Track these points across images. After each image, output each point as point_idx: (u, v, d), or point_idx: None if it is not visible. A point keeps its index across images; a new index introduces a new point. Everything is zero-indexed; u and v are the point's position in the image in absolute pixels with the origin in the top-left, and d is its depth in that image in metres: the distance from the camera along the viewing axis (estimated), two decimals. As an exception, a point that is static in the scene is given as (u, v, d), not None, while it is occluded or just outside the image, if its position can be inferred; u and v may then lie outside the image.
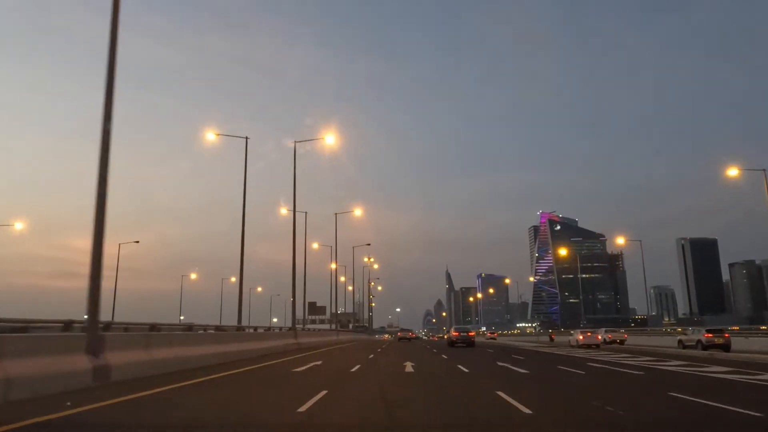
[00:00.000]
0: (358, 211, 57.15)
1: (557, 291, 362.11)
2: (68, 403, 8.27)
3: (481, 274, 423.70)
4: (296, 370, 15.88)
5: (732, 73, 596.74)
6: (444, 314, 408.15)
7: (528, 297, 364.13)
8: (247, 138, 31.62)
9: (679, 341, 34.79)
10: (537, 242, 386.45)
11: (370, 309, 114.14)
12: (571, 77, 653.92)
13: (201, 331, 21.07)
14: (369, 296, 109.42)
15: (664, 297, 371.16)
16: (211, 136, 32.53)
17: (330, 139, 35.64)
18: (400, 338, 74.01)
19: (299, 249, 47.08)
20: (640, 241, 62.06)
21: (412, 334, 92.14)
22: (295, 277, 35.17)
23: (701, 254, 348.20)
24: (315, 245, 64.22)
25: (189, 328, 17.71)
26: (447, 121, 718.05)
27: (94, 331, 11.63)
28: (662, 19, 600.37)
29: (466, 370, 16.20)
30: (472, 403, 9.54)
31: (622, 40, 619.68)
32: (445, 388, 11.83)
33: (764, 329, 46.43)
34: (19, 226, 51.21)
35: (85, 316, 11.68)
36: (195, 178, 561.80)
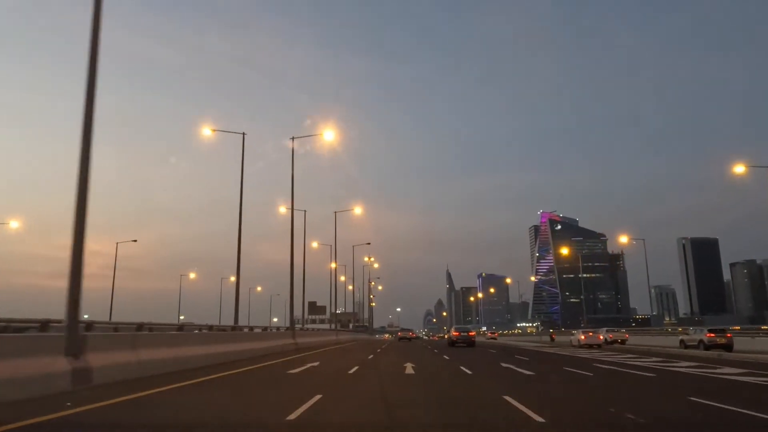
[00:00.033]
0: (357, 210, 56.47)
1: (558, 291, 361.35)
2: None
3: (481, 274, 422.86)
4: (291, 371, 15.17)
5: (732, 73, 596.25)
6: (444, 314, 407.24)
7: (528, 297, 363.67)
8: (244, 134, 31.09)
9: (681, 341, 34.54)
10: (538, 242, 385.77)
11: (371, 309, 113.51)
12: (571, 77, 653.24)
13: (196, 331, 20.43)
14: (369, 296, 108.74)
15: (664, 297, 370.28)
16: (207, 132, 31.97)
17: (328, 135, 34.95)
18: (401, 338, 73.61)
19: (298, 248, 46.45)
20: (644, 239, 61.35)
21: (413, 333, 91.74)
22: (293, 275, 34.45)
23: (702, 254, 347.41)
24: (315, 244, 63.66)
25: (180, 328, 17.02)
26: (447, 121, 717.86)
27: (73, 331, 10.90)
28: (662, 18, 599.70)
29: (469, 372, 15.48)
30: (479, 410, 8.82)
31: (622, 40, 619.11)
32: (448, 392, 11.11)
33: (766, 329, 45.88)
34: (14, 224, 50.43)
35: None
36: (195, 178, 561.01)
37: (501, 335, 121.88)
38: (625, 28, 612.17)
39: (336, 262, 59.94)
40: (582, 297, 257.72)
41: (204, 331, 20.34)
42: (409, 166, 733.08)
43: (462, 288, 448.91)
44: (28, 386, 9.02)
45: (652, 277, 61.51)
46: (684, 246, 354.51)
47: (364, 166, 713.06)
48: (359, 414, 8.17)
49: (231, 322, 28.21)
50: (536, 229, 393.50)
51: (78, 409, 7.91)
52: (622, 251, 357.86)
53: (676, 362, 20.71)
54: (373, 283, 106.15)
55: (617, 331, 50.91)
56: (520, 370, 16.51)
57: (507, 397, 9.55)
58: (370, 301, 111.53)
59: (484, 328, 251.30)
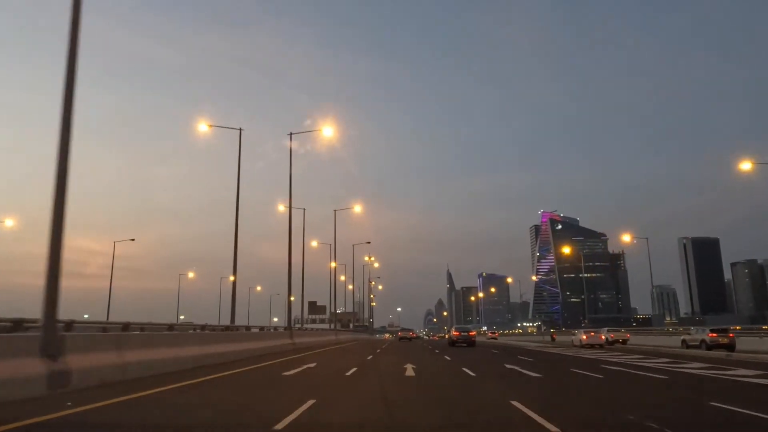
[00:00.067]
0: (357, 208, 55.89)
1: (558, 290, 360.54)
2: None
3: (482, 274, 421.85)
4: (286, 373, 14.46)
5: (733, 72, 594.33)
6: (445, 314, 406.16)
7: (529, 296, 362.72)
8: (240, 129, 30.49)
9: (683, 341, 34.35)
10: (538, 241, 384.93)
11: (371, 308, 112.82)
12: (571, 77, 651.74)
13: (191, 331, 19.72)
14: (370, 295, 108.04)
15: (665, 296, 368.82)
16: (204, 127, 31.38)
17: (327, 132, 34.38)
18: (401, 338, 73.33)
19: (297, 246, 45.77)
20: (647, 238, 60.56)
21: (413, 333, 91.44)
22: (290, 274, 33.79)
23: (703, 253, 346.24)
24: (314, 243, 63.04)
25: (171, 327, 16.30)
26: (447, 121, 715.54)
27: (50, 331, 10.20)
28: (662, 18, 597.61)
29: (473, 374, 14.75)
30: (485, 417, 8.12)
31: (622, 40, 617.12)
32: (451, 396, 10.39)
33: None
34: (9, 222, 49.85)
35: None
36: (195, 178, 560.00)
37: (501, 335, 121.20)
38: (625, 28, 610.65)
39: (336, 261, 59.40)
40: (583, 297, 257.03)
41: (197, 330, 19.62)
42: (409, 166, 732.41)
43: (462, 288, 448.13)
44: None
45: (653, 277, 60.74)
46: (685, 245, 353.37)
47: (364, 166, 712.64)
48: (355, 422, 7.46)
49: (234, 322, 27.56)
50: (537, 229, 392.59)
51: (38, 419, 7.19)
52: (622, 251, 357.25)
53: (686, 363, 19.99)
54: (373, 282, 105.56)
55: (618, 330, 50.79)
56: (525, 371, 15.80)
57: (514, 402, 8.84)
58: (370, 300, 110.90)
59: (485, 328, 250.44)
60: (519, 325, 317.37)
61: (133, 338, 13.27)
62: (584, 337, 40.88)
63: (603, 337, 41.67)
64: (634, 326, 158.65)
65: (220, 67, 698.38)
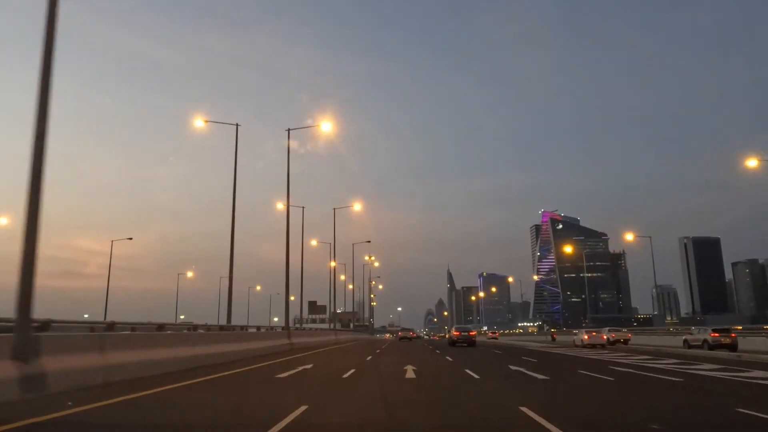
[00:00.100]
0: (357, 206, 55.21)
1: (559, 290, 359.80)
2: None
3: (482, 274, 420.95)
4: (280, 376, 13.74)
5: (733, 72, 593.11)
6: (445, 313, 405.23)
7: (530, 296, 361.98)
8: (237, 125, 29.84)
9: (685, 341, 34.09)
10: (539, 241, 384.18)
11: (371, 308, 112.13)
12: (571, 77, 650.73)
13: (185, 331, 19.01)
14: (370, 295, 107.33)
15: (666, 296, 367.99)
16: (200, 123, 30.76)
17: (326, 126, 33.76)
18: (401, 338, 73.19)
19: (297, 245, 45.07)
20: (650, 237, 59.89)
21: (413, 333, 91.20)
22: (288, 272, 33.06)
23: (704, 253, 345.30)
24: (314, 242, 62.41)
25: (161, 327, 15.57)
26: (447, 121, 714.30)
27: (24, 332, 9.49)
28: (662, 18, 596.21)
29: (477, 377, 14.02)
30: (494, 426, 7.40)
31: (622, 40, 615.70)
32: (455, 401, 9.66)
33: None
34: (3, 221, 49.08)
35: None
36: (195, 178, 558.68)
37: (502, 335, 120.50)
38: (625, 28, 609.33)
39: (335, 260, 58.74)
40: (584, 296, 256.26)
41: (189, 330, 18.90)
42: (409, 166, 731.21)
43: (463, 287, 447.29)
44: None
45: (653, 276, 60.10)
46: (685, 245, 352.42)
47: (364, 165, 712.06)
48: (349, 432, 6.75)
49: (230, 322, 26.87)
50: (537, 229, 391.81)
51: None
52: (623, 250, 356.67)
53: (697, 364, 19.25)
54: (373, 282, 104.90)
55: (619, 330, 50.55)
56: (531, 373, 15.06)
57: (524, 409, 8.12)
58: (370, 300, 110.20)
59: (485, 328, 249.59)
60: (519, 325, 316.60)
61: (117, 339, 12.54)
62: (586, 337, 40.58)
63: (605, 337, 41.36)
64: (635, 326, 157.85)
65: (220, 67, 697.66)
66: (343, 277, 77.63)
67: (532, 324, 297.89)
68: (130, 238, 68.25)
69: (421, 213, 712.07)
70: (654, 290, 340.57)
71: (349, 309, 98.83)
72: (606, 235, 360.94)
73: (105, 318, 48.62)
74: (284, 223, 33.01)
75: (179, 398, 9.71)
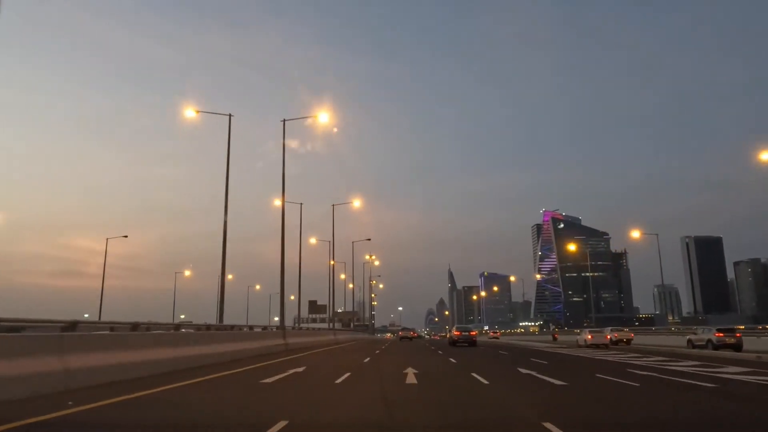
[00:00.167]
0: (356, 203, 53.99)
1: (560, 290, 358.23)
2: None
3: (483, 273, 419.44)
4: (265, 381, 12.28)
5: (733, 72, 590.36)
6: (446, 313, 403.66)
7: (531, 296, 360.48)
8: (230, 115, 28.51)
9: (689, 341, 33.52)
10: (540, 241, 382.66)
11: (372, 307, 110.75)
12: (571, 77, 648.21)
13: (183, 330, 17.60)
14: (370, 294, 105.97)
15: (668, 296, 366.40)
16: (190, 113, 29.44)
17: (323, 117, 32.45)
18: (402, 338, 72.34)
19: (295, 243, 43.72)
20: (657, 234, 58.38)
21: (414, 333, 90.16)
22: (283, 270, 31.69)
23: (706, 252, 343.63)
24: (313, 240, 61.11)
25: (135, 327, 14.12)
26: (447, 121, 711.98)
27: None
28: (662, 18, 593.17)
29: (486, 382, 12.55)
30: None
31: (622, 40, 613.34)
32: (463, 413, 8.18)
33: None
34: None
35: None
36: (195, 178, 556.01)
37: (503, 334, 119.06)
38: (625, 28, 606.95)
39: (335, 259, 57.44)
40: (585, 296, 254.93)
41: (174, 330, 17.45)
42: (409, 166, 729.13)
43: (464, 287, 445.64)
44: None
45: (655, 276, 59.03)
46: (687, 244, 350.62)
47: (364, 165, 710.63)
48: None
49: (230, 320, 25.55)
50: (539, 228, 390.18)
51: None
52: (625, 250, 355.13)
53: (721, 367, 17.80)
54: (374, 281, 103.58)
55: (622, 330, 49.72)
56: (545, 378, 13.61)
57: (548, 425, 6.69)
58: (371, 299, 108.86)
59: (486, 327, 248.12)
60: (521, 324, 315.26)
61: (81, 340, 11.07)
62: (589, 336, 39.76)
63: (608, 336, 40.50)
64: (637, 326, 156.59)
65: (220, 67, 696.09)
66: (343, 276, 76.40)
67: (533, 324, 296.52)
68: (125, 236, 66.82)
69: (421, 213, 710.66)
70: (656, 290, 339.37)
71: (350, 308, 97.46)
72: (608, 234, 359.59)
73: (99, 318, 47.23)
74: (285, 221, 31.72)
75: (143, 412, 8.24)
